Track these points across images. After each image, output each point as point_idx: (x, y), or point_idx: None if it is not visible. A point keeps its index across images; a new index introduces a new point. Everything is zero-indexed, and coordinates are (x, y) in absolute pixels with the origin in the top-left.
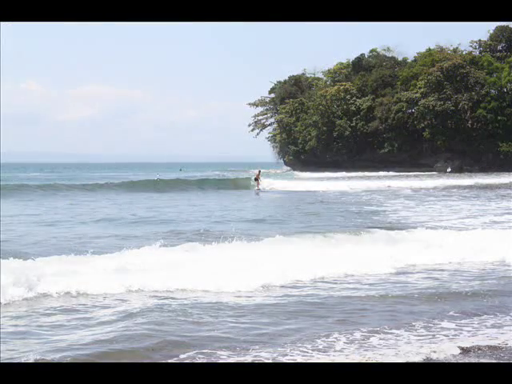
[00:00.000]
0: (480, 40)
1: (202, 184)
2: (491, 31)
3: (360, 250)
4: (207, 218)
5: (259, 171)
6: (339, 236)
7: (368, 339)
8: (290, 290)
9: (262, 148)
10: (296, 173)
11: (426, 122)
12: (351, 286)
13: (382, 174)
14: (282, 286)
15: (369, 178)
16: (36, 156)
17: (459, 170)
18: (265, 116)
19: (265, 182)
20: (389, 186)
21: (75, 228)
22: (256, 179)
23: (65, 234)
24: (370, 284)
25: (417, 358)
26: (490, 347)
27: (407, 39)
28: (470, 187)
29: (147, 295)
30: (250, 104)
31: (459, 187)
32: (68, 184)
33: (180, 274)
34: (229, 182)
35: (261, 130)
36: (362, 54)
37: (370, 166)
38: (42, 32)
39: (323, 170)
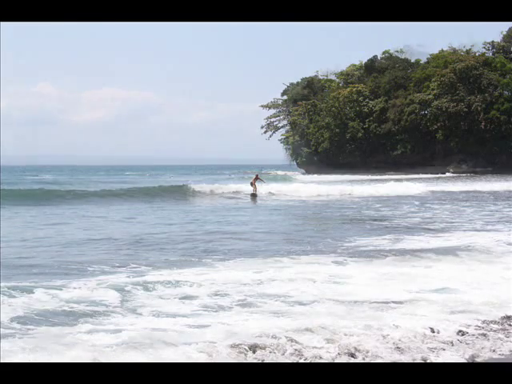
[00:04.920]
0: (493, 41)
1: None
2: (504, 32)
3: None
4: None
5: (256, 175)
6: None
7: None
8: None
9: (275, 150)
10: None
11: (438, 124)
12: None
13: (420, 176)
14: None
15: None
16: (51, 158)
17: (473, 171)
18: (277, 118)
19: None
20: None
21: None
22: (254, 183)
23: None
24: None
25: None
26: None
27: (420, 40)
28: None
29: None
30: (262, 106)
31: None
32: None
33: None
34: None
35: (273, 132)
36: (374, 56)
37: (382, 168)
38: (56, 34)
39: (337, 172)
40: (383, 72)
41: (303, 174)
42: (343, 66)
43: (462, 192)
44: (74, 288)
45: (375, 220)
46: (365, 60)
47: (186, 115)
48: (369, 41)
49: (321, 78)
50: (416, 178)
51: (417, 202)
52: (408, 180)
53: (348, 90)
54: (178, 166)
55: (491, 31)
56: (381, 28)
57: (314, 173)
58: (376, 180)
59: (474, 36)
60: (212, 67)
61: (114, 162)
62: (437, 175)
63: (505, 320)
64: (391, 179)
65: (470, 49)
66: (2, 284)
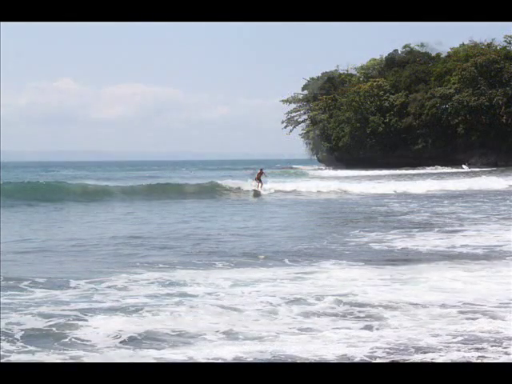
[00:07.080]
0: None
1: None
2: None
3: None
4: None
5: (261, 170)
6: None
7: None
8: None
9: (295, 145)
10: None
11: (460, 118)
12: None
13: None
14: None
15: None
16: (73, 154)
17: (494, 165)
18: (298, 113)
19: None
20: None
21: None
22: (258, 179)
23: None
24: None
25: None
26: None
27: (440, 36)
28: None
29: None
30: (283, 101)
31: None
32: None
33: None
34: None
35: (294, 126)
36: (395, 50)
37: (403, 162)
38: (77, 31)
39: (357, 167)
40: (404, 66)
41: (320, 169)
42: (364, 60)
43: (472, 191)
44: (74, 288)
45: (374, 220)
46: (385, 54)
47: (206, 111)
48: (389, 37)
49: (341, 72)
50: (429, 174)
51: (425, 201)
52: (420, 176)
53: (368, 84)
54: (181, 162)
55: (491, 31)
56: (400, 26)
57: (334, 168)
58: (378, 176)
59: (495, 30)
60: (231, 63)
61: (127, 158)
62: (454, 169)
63: (505, 320)
64: (403, 175)
65: (490, 42)
66: (3, 284)
